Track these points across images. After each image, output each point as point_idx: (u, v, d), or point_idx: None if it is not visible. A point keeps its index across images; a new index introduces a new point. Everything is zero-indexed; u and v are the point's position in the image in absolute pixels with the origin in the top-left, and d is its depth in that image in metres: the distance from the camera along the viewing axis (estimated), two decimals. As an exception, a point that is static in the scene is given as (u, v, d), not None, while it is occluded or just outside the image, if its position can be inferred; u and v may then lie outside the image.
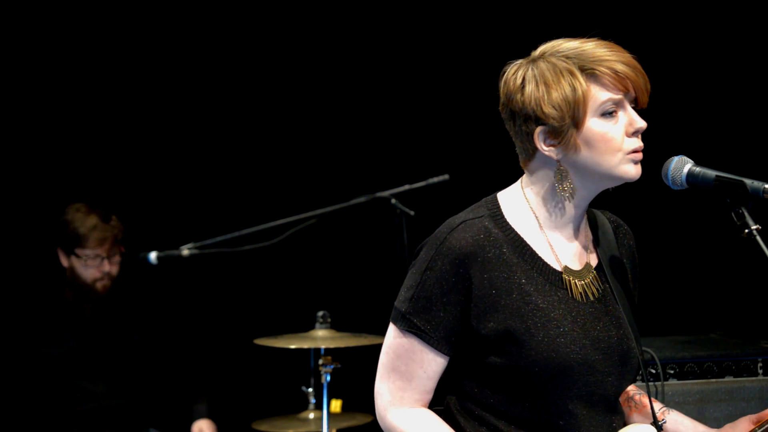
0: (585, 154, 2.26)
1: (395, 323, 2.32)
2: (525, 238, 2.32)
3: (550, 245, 2.33)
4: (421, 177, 4.12)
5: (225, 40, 5.13)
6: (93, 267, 4.34)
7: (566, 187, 2.30)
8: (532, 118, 2.27)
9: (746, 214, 2.23)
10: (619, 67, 2.24)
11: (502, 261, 2.28)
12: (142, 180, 5.08)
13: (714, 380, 3.73)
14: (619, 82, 2.24)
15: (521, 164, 2.36)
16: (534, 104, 2.26)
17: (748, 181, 2.24)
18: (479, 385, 2.31)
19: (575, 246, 2.36)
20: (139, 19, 5.03)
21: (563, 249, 2.35)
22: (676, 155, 2.35)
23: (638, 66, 2.26)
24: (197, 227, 4.65)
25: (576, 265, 2.34)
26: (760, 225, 2.23)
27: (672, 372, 3.69)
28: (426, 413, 2.33)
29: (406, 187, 4.09)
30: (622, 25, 4.97)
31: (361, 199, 4.06)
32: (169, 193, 5.10)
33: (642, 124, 2.26)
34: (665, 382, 3.64)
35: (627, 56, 2.26)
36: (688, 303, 5.11)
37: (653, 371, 3.66)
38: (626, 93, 2.25)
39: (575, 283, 2.32)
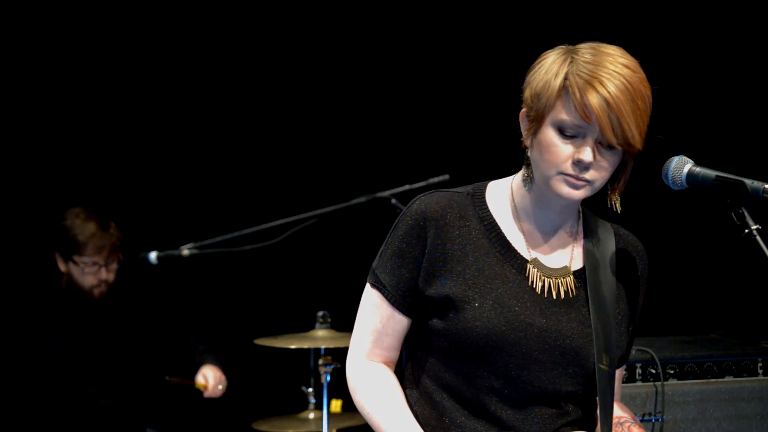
0: (535, 153, 2.30)
1: (368, 279, 2.43)
2: (499, 223, 2.37)
3: (524, 235, 2.36)
4: (421, 177, 4.12)
5: (225, 41, 5.12)
6: (90, 274, 4.34)
7: (528, 174, 2.35)
8: (523, 95, 2.33)
9: (746, 214, 2.23)
10: (592, 98, 2.19)
11: (463, 233, 2.35)
12: (142, 180, 5.09)
13: (714, 380, 3.73)
14: (582, 111, 2.20)
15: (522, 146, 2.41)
16: (526, 85, 2.32)
17: (748, 181, 2.24)
18: (423, 349, 2.38)
19: (553, 244, 2.38)
20: (139, 19, 5.03)
21: (537, 243, 2.37)
22: (676, 155, 2.35)
23: (622, 108, 2.19)
24: (197, 227, 4.65)
25: (551, 263, 2.36)
26: (760, 225, 2.23)
27: (672, 372, 3.69)
28: (381, 371, 2.40)
29: (406, 187, 4.09)
30: (622, 24, 4.97)
31: (361, 199, 4.06)
32: (169, 193, 5.10)
33: (585, 158, 2.22)
34: (665, 382, 3.64)
35: (619, 92, 2.19)
36: (688, 303, 5.11)
37: (653, 371, 3.66)
38: (589, 125, 2.23)
39: (540, 276, 2.34)
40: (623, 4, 5.09)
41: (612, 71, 2.21)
